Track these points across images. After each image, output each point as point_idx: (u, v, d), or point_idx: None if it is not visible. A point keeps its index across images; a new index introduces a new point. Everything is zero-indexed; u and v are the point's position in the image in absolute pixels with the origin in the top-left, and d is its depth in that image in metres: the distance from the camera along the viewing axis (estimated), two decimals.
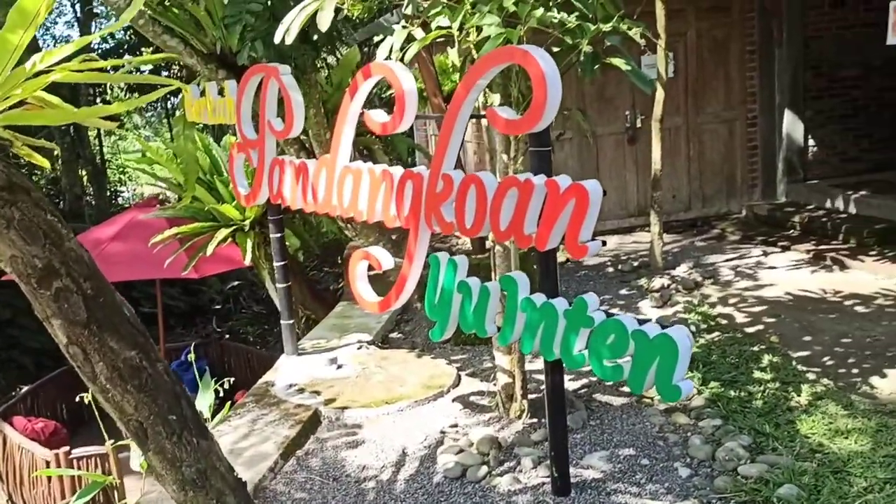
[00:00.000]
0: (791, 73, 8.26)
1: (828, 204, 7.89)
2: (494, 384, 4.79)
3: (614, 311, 3.19)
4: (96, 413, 7.09)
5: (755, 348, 5.07)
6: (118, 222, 9.07)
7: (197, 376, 8.17)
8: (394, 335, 6.05)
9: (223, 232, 7.09)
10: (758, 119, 8.45)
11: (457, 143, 3.67)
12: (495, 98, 4.00)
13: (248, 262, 7.04)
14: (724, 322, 5.63)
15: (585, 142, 8.01)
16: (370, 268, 4.31)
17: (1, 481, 8.50)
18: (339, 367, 5.28)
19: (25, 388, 9.77)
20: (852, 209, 7.59)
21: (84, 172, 18.46)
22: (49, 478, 7.77)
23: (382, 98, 13.21)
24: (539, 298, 3.35)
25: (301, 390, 4.98)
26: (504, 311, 3.52)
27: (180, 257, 7.38)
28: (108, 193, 19.92)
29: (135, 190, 22.85)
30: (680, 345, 2.79)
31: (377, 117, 4.00)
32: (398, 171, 4.00)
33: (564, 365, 3.33)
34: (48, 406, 9.64)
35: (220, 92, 5.48)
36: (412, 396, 4.78)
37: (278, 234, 5.35)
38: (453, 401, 4.75)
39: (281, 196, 4.91)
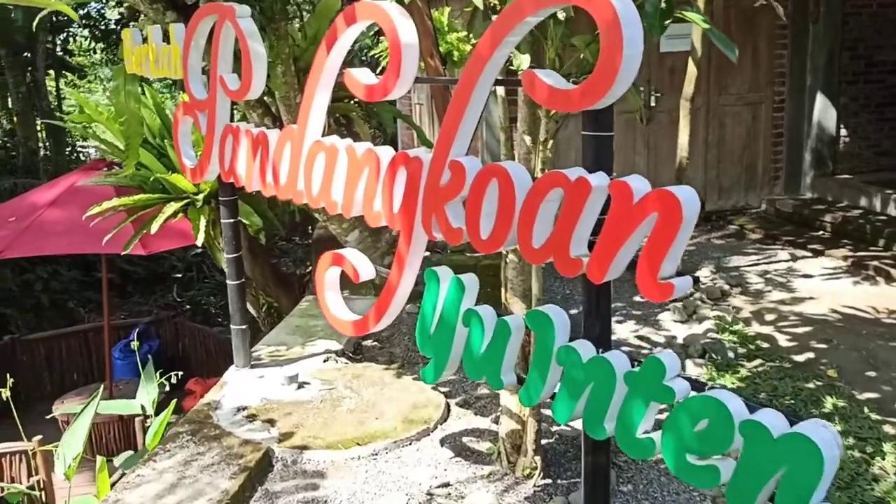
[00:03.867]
0: (827, 53, 7.24)
1: (863, 202, 6.92)
2: (495, 424, 3.76)
3: (704, 380, 2.19)
4: (13, 409, 5.95)
5: (811, 385, 4.09)
6: (59, 186, 7.85)
7: (139, 364, 7.11)
8: (368, 342, 4.97)
9: (173, 206, 5.92)
10: (785, 103, 7.43)
11: (473, 120, 2.59)
12: (523, 60, 2.91)
13: (200, 241, 5.88)
14: (765, 346, 4.64)
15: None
16: (343, 273, 3.23)
17: None
18: (301, 386, 4.21)
19: None
20: (893, 211, 6.62)
21: (41, 126, 17.02)
22: None
23: (364, 59, 11.96)
24: (585, 349, 2.30)
25: (251, 417, 3.91)
26: (531, 359, 2.47)
27: (125, 230, 6.22)
28: (69, 150, 18.49)
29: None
30: (826, 454, 1.78)
31: (362, 77, 2.90)
32: (387, 151, 2.92)
33: (618, 445, 2.29)
34: None
35: (166, 38, 4.33)
36: (390, 435, 3.73)
37: (230, 220, 4.25)
38: (442, 443, 3.71)
39: (234, 174, 3.79)
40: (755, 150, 7.49)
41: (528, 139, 3.11)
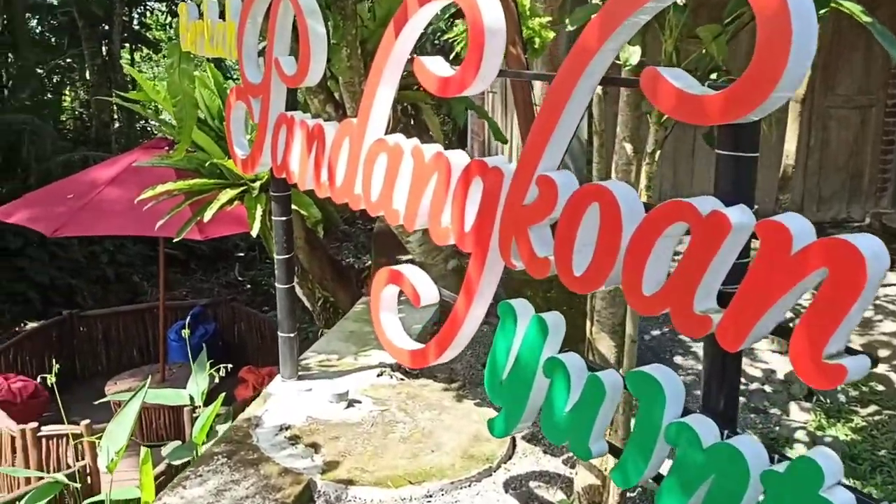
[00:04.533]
0: None
1: None
2: (568, 468, 3.25)
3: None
4: (57, 396, 5.69)
5: None
6: (119, 163, 7.59)
7: (192, 349, 6.82)
8: None
9: (228, 193, 5.54)
10: None
11: (570, 127, 2.06)
12: (632, 53, 2.37)
13: (255, 231, 5.48)
14: (880, 388, 4.01)
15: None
16: (401, 293, 2.76)
17: None
18: (350, 404, 3.77)
19: (7, 342, 8.42)
20: None
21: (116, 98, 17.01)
22: (14, 452, 6.47)
23: (436, 44, 11.42)
24: (706, 429, 1.77)
25: (294, 439, 3.48)
26: (633, 432, 1.96)
27: (181, 214, 5.88)
28: (142, 123, 18.50)
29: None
30: None
31: (435, 68, 2.41)
32: (460, 157, 2.42)
33: None
34: (34, 360, 8.30)
35: (222, 14, 3.91)
36: (447, 473, 3.25)
37: (282, 218, 3.81)
38: (506, 487, 3.23)
39: (287, 169, 3.35)
40: (862, 157, 6.74)
41: (629, 148, 2.57)
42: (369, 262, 6.85)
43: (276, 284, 3.87)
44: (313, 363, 4.21)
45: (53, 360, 8.65)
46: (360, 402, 3.81)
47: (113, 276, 13.15)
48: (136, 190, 6.72)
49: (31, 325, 11.96)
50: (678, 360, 4.73)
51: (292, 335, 3.90)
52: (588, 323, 2.83)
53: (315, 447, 3.42)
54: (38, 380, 7.68)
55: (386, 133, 2.81)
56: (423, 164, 2.52)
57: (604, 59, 1.93)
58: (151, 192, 5.49)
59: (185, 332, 6.61)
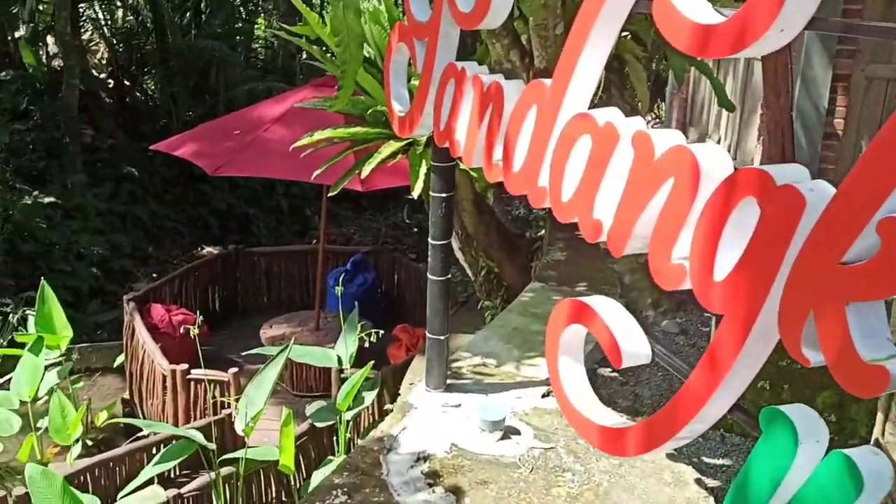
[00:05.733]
0: None
1: None
2: None
3: None
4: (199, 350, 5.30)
5: None
6: (287, 101, 7.08)
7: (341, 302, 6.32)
8: (605, 371, 3.59)
9: (391, 146, 4.79)
10: None
11: None
12: None
13: (416, 192, 4.71)
14: None
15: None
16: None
17: (125, 378, 7.19)
18: (505, 435, 2.96)
19: (175, 272, 8.31)
20: None
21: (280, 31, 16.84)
22: (165, 391, 6.27)
23: None
24: None
25: (432, 477, 2.72)
26: None
27: (344, 162, 5.23)
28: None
29: None
30: None
31: (693, 9, 1.45)
32: (717, 159, 1.47)
33: None
34: (198, 291, 8.14)
35: None
36: None
37: (442, 195, 2.99)
38: None
39: (450, 137, 2.51)
40: None
41: None
42: (542, 232, 5.96)
43: (429, 275, 3.08)
44: (465, 367, 3.42)
45: (216, 294, 8.56)
46: (518, 432, 2.98)
47: (286, 208, 13.09)
48: (301, 130, 6.12)
49: (207, 249, 12.15)
50: None
51: (442, 338, 3.10)
52: (880, 418, 1.82)
53: (457, 493, 2.64)
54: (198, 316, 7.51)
55: (593, 104, 1.89)
56: (650, 159, 1.59)
57: None
58: (308, 140, 4.85)
59: (339, 290, 6.08)
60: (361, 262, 8.40)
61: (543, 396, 3.22)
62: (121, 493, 4.76)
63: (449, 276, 3.06)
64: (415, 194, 4.66)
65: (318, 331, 7.36)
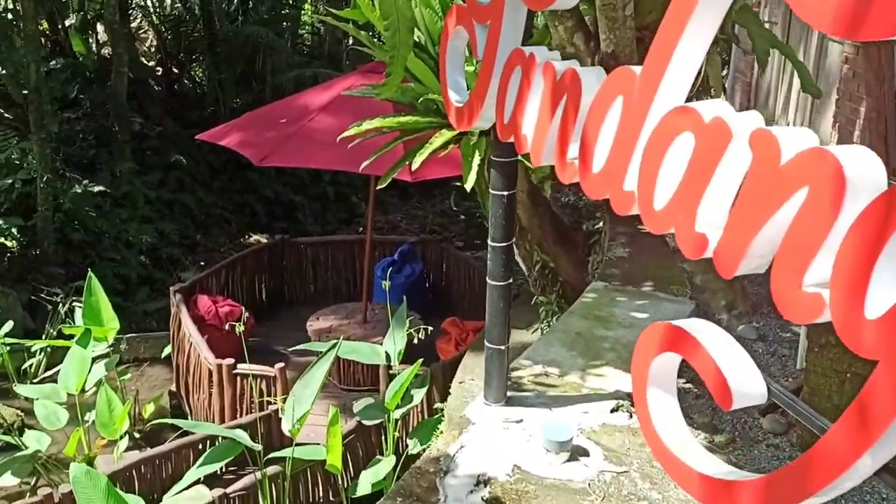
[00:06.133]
0: None
1: None
2: None
3: None
4: (245, 349, 5.12)
5: None
6: (334, 88, 6.85)
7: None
8: (680, 381, 3.29)
9: (443, 136, 4.52)
10: None
11: None
12: None
13: (469, 185, 4.44)
14: None
15: None
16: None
17: (172, 370, 7.09)
18: (572, 456, 2.69)
19: (221, 263, 8.18)
20: None
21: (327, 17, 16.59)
22: (211, 385, 6.13)
23: None
24: None
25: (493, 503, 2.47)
26: None
27: (393, 152, 4.98)
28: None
29: None
30: None
31: None
32: (871, 166, 1.17)
33: None
34: (245, 281, 8.00)
35: None
36: None
37: (503, 192, 2.72)
38: None
39: (516, 131, 2.23)
40: None
41: None
42: (599, 224, 5.64)
43: (489, 280, 2.81)
44: (526, 377, 3.16)
45: (262, 285, 8.42)
46: (586, 452, 2.72)
47: (333, 195, 12.93)
48: (348, 119, 5.90)
49: (254, 236, 12.06)
50: None
51: (503, 347, 2.84)
52: None
53: None
54: (244, 311, 7.36)
55: (691, 97, 1.60)
56: (775, 163, 1.29)
57: None
58: (356, 129, 4.61)
59: (386, 284, 5.85)
60: (409, 253, 8.17)
61: (613, 411, 2.94)
62: (166, 495, 4.63)
63: (510, 280, 2.79)
64: (468, 187, 4.41)
65: (366, 323, 7.16)
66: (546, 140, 2.05)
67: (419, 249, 8.35)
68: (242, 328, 4.76)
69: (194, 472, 4.37)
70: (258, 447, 4.71)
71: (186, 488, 4.61)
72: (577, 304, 3.78)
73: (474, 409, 2.91)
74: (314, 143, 6.11)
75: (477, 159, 4.48)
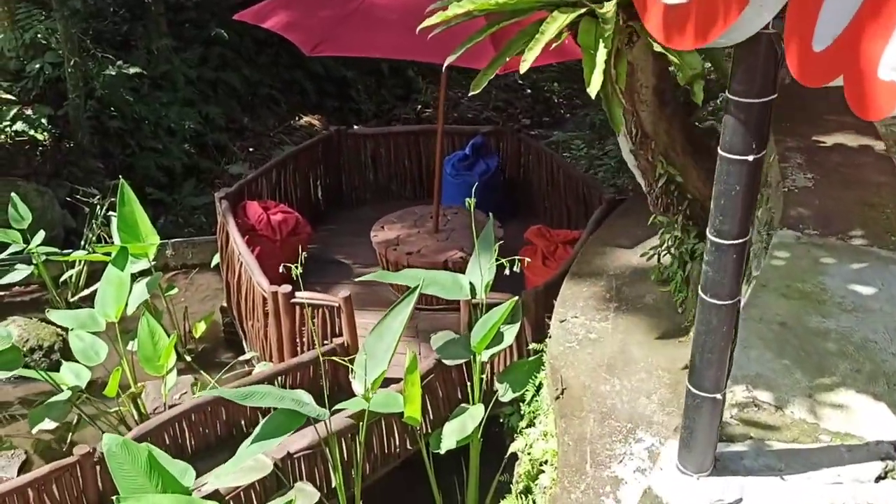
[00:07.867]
0: None
1: None
2: None
3: None
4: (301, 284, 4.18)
5: None
6: None
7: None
8: None
9: (557, 20, 3.21)
10: None
11: None
12: None
13: (594, 90, 3.15)
14: None
15: None
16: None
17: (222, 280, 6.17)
18: None
19: (272, 161, 7.09)
20: None
21: None
22: (266, 314, 5.20)
23: None
24: None
25: None
26: None
27: (479, 47, 3.71)
28: None
29: None
30: None
31: None
32: None
33: None
34: (299, 178, 6.94)
35: None
36: None
37: (747, 155, 1.51)
38: None
39: None
40: None
41: None
42: None
43: (701, 294, 1.66)
44: (728, 412, 2.06)
45: (318, 183, 7.35)
46: None
47: (387, 70, 11.59)
48: None
49: (305, 118, 10.89)
50: None
51: (718, 396, 1.73)
52: None
53: None
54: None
55: None
56: None
57: None
58: (443, 16, 3.33)
59: (471, 202, 4.68)
60: (482, 146, 6.95)
61: (878, 480, 1.85)
62: (216, 470, 3.79)
63: (739, 297, 1.64)
64: (591, 92, 3.16)
65: (437, 233, 6.10)
66: None
67: (493, 141, 7.12)
68: (300, 270, 3.73)
69: (248, 451, 3.49)
70: (325, 413, 3.80)
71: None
72: (769, 273, 2.59)
73: (666, 483, 1.85)
74: (377, 26, 4.82)
75: (602, 53, 3.23)
